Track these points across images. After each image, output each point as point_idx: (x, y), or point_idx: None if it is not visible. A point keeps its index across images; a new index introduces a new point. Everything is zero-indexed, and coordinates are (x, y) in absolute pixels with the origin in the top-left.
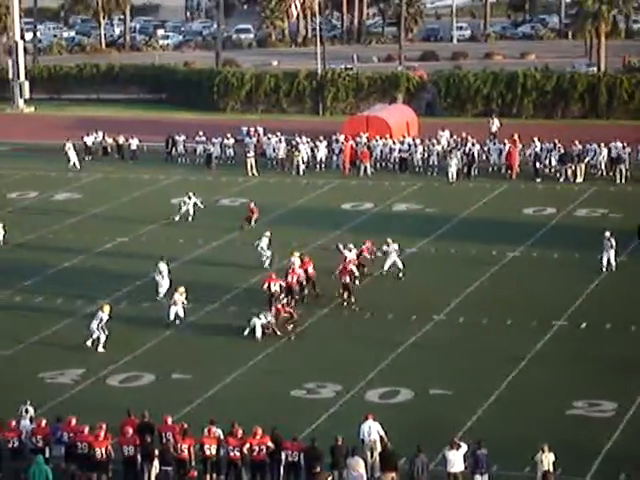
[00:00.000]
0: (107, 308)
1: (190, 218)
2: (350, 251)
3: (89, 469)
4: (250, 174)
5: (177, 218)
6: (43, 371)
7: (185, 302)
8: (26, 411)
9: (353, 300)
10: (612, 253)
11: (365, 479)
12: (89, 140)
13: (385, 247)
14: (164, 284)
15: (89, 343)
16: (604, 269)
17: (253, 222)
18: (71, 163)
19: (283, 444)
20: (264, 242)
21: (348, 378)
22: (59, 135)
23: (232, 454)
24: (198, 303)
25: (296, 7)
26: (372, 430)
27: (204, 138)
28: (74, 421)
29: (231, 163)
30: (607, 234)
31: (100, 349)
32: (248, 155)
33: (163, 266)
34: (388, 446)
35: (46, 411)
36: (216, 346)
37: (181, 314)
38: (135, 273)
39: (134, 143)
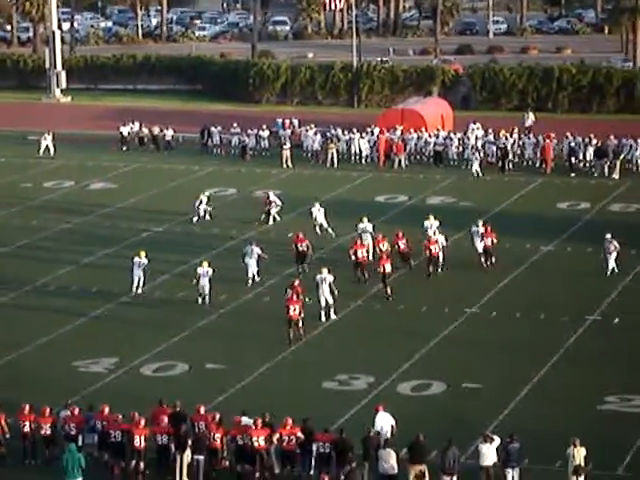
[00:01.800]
0: (205, 263)
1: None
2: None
3: (123, 457)
4: (285, 166)
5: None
6: (77, 360)
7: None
8: None
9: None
10: (614, 256)
11: (396, 471)
12: (125, 130)
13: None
14: (252, 266)
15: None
16: (609, 273)
17: (275, 214)
18: (41, 151)
19: (314, 435)
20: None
21: (380, 370)
22: (96, 125)
23: (257, 444)
24: (232, 293)
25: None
26: (385, 422)
27: (239, 129)
28: (107, 410)
29: (266, 155)
30: (608, 236)
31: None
32: (284, 147)
33: (256, 249)
34: (420, 438)
35: (79, 400)
36: (249, 337)
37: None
38: (169, 263)
39: (169, 134)
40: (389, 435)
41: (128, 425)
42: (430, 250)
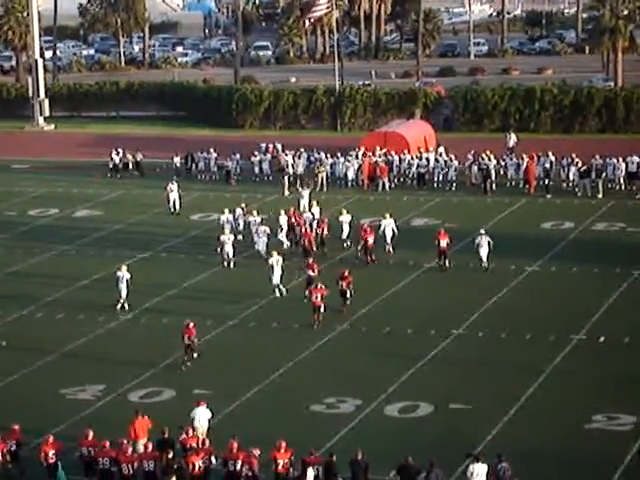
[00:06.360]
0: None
1: None
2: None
3: None
4: (282, 193)
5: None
6: (64, 387)
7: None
8: None
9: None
10: (486, 250)
11: None
12: (117, 158)
13: None
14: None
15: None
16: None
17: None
18: (171, 205)
19: (306, 459)
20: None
21: (368, 392)
22: (79, 153)
23: (232, 468)
24: (217, 320)
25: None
26: (203, 415)
27: (214, 155)
28: (91, 435)
29: (252, 180)
30: (482, 231)
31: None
32: (284, 174)
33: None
34: (409, 460)
35: (67, 427)
36: (236, 362)
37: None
38: (156, 289)
39: (177, 161)
40: (206, 428)
41: (116, 452)
42: (366, 240)
